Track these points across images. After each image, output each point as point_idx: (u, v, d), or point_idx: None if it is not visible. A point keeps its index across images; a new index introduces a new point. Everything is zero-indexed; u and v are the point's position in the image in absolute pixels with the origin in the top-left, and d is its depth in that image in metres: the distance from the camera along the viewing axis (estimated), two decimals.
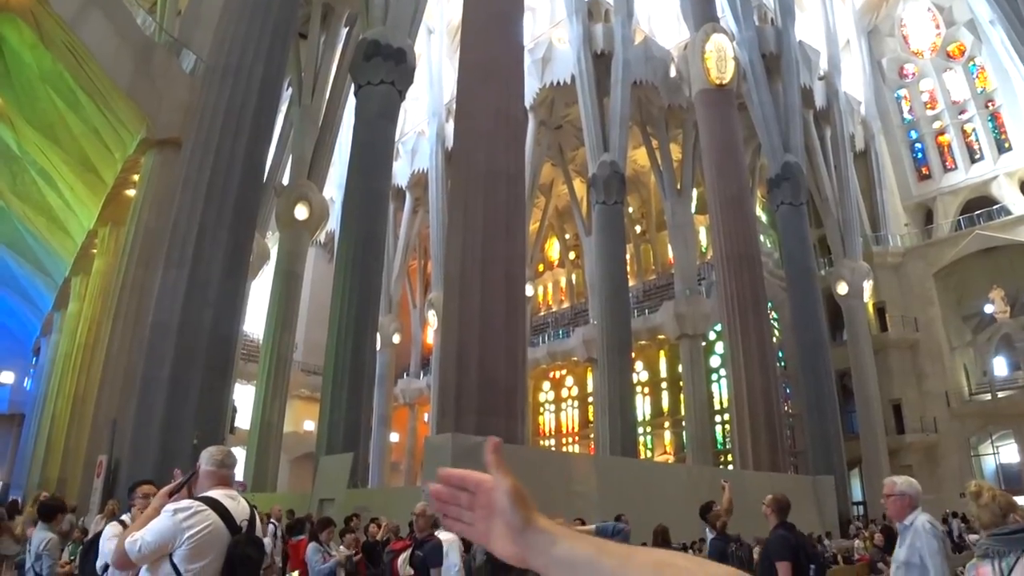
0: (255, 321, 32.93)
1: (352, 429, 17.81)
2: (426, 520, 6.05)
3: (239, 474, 23.02)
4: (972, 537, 19.61)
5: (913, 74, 40.72)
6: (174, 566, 2.87)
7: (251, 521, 3.12)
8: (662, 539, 8.35)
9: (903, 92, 41.10)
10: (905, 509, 4.35)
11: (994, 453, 33.85)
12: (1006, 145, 36.47)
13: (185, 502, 3.00)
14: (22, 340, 51.83)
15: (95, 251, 28.14)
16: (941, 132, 39.16)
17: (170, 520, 2.91)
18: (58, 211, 32.34)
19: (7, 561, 13.15)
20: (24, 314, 50.21)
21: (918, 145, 40.08)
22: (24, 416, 44.92)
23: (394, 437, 41.44)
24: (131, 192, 23.45)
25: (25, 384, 50.57)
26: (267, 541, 9.62)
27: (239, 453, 25.28)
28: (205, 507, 2.97)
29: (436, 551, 5.90)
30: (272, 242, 28.77)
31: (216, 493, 3.09)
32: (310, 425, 34.53)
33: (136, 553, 2.92)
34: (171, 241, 13.95)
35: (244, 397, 27.76)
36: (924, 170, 39.55)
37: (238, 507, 3.10)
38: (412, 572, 5.84)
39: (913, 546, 4.22)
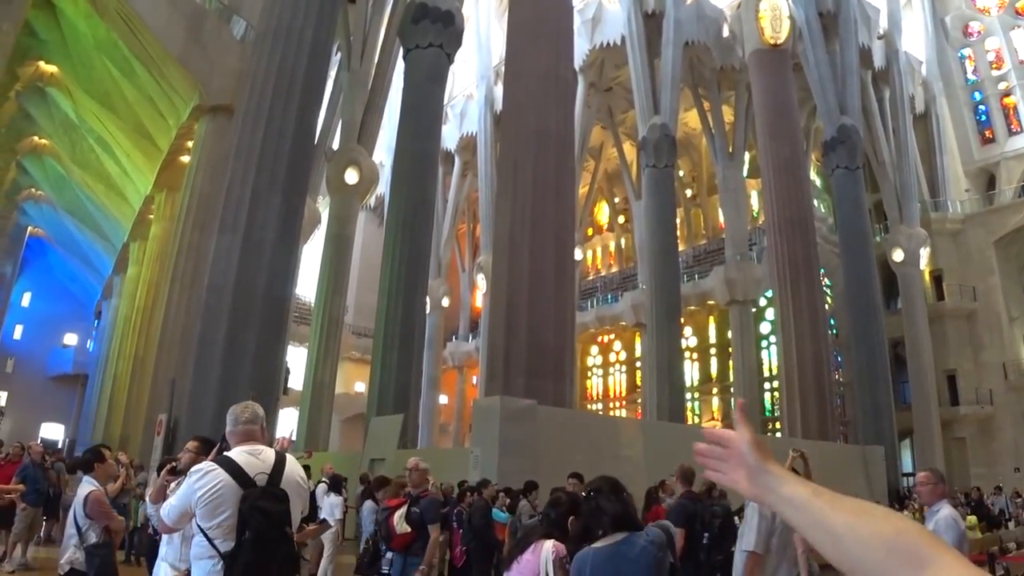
0: (307, 284, 33.44)
1: (402, 391, 18.09)
2: (420, 475, 5.93)
3: (292, 433, 23.62)
4: None
5: (978, 32, 39.13)
6: (199, 526, 3.01)
7: (274, 473, 3.14)
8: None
9: (967, 51, 39.55)
10: (936, 497, 4.80)
11: None
12: None
13: (201, 464, 3.13)
14: (84, 303, 53.45)
15: (152, 216, 28.79)
16: (1007, 93, 37.65)
17: (187, 484, 3.06)
18: (116, 178, 33.10)
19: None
20: (86, 278, 51.75)
21: (982, 107, 38.62)
22: (87, 376, 46.44)
23: (443, 399, 41.96)
24: (185, 158, 23.90)
25: (88, 346, 52.23)
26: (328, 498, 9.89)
27: (292, 413, 25.90)
28: (215, 467, 3.05)
29: (432, 507, 5.86)
30: (323, 206, 29.07)
31: (235, 451, 3.17)
32: (361, 387, 35.14)
33: (168, 518, 3.14)
34: (225, 206, 14.20)
35: (297, 359, 28.31)
36: (988, 133, 38.15)
37: (255, 461, 3.13)
38: (408, 529, 5.74)
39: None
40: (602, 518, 3.03)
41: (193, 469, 3.11)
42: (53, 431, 47.78)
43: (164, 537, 4.02)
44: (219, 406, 12.28)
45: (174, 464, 3.87)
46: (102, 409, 33.27)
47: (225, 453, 3.18)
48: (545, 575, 3.48)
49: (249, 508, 3.01)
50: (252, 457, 3.15)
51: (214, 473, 3.03)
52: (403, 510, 5.86)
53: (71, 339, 53.18)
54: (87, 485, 4.97)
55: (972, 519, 15.53)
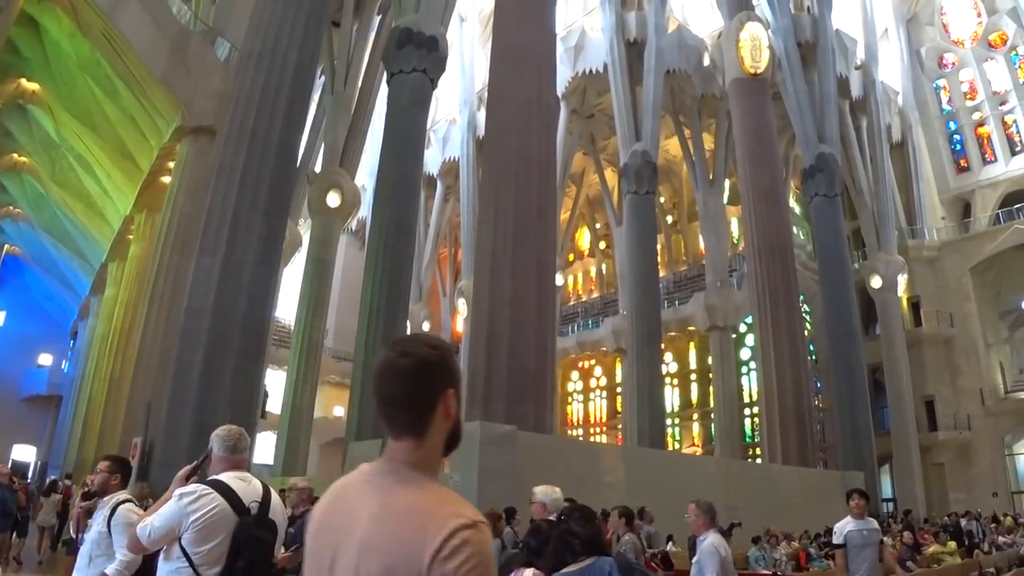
0: (287, 307, 33.23)
1: None
2: (298, 495, 5.69)
3: (269, 458, 23.35)
4: (1002, 539, 19.40)
5: (953, 64, 39.92)
6: (183, 549, 2.91)
7: (263, 503, 3.12)
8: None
9: (942, 82, 40.32)
10: (703, 527, 5.29)
11: None
12: None
13: (192, 486, 3.03)
14: (60, 323, 52.80)
15: (131, 237, 28.56)
16: (981, 123, 38.38)
17: (176, 505, 2.96)
18: (95, 197, 32.86)
19: (47, 531, 13.52)
20: (62, 298, 51.15)
21: (956, 136, 39.33)
22: (62, 398, 45.77)
23: None
24: (166, 179, 23.75)
25: (63, 366, 51.51)
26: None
27: (270, 437, 25.65)
28: (211, 490, 3.00)
29: (304, 527, 5.66)
30: (304, 229, 29.02)
31: (226, 476, 3.12)
32: (340, 411, 34.85)
33: (147, 539, 2.99)
34: (205, 227, 14.10)
35: (275, 382, 28.07)
36: (962, 162, 38.82)
37: (248, 488, 3.11)
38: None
39: (699, 562, 5.18)
40: (572, 542, 3.05)
41: (184, 491, 3.00)
42: (25, 453, 46.92)
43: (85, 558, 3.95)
44: (195, 430, 12.12)
45: (86, 488, 3.78)
46: (76, 431, 32.77)
47: (216, 478, 3.12)
48: None
49: (246, 536, 2.97)
50: (244, 484, 3.12)
51: (210, 497, 2.97)
52: None
53: (46, 359, 52.42)
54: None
55: (952, 544, 15.60)
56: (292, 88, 15.18)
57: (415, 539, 1.26)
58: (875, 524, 6.39)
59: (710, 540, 5.15)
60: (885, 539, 6.41)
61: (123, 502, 3.97)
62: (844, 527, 6.28)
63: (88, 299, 40.81)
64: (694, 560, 5.43)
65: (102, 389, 27.95)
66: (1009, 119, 37.27)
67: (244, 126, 14.60)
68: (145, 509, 3.93)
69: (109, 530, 3.83)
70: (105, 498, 4.05)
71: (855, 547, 6.16)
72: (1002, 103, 37.66)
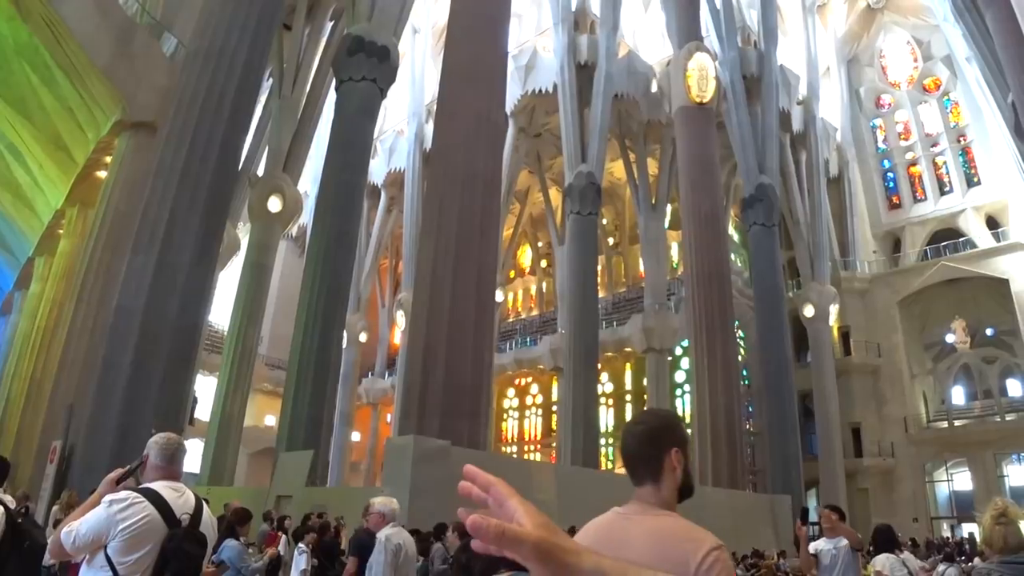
0: (221, 312, 32.49)
1: (314, 426, 17.65)
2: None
3: (196, 466, 22.73)
4: (921, 564, 19.93)
5: (889, 104, 41.42)
6: (108, 558, 2.80)
7: (195, 515, 3.03)
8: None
9: (878, 121, 41.79)
10: (383, 524, 5.49)
11: (948, 480, 34.45)
12: (975, 179, 37.22)
13: (122, 493, 2.92)
14: None
15: (61, 232, 27.62)
16: (913, 163, 39.87)
17: (105, 512, 2.84)
18: (25, 188, 31.70)
19: None
20: None
21: (890, 174, 40.77)
22: None
23: (356, 436, 41.15)
24: (102, 174, 23.09)
25: None
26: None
27: (197, 445, 24.99)
28: (142, 499, 2.90)
29: None
30: (243, 233, 28.47)
31: (158, 485, 3.02)
32: (271, 420, 34.18)
33: (71, 545, 2.86)
34: (140, 225, 13.73)
35: (205, 388, 27.41)
36: (895, 199, 40.23)
37: (180, 500, 3.02)
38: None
39: (376, 556, 5.40)
40: (496, 559, 3.03)
41: (113, 498, 2.88)
42: None
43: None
44: (120, 434, 11.76)
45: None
46: None
47: (148, 486, 3.00)
48: None
49: (174, 549, 2.87)
50: (177, 495, 3.03)
51: (140, 506, 2.87)
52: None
53: None
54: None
55: (870, 569, 15.94)
56: (238, 89, 14.93)
57: (683, 557, 1.69)
58: (845, 542, 6.30)
59: (386, 532, 5.41)
60: None
61: None
62: (816, 546, 6.33)
63: (11, 294, 39.30)
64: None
65: (22, 389, 26.87)
66: (940, 160, 38.80)
67: (187, 124, 14.30)
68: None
69: None
70: None
71: (824, 566, 6.17)
72: (933, 144, 39.20)
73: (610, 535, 1.87)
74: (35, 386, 24.38)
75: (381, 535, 5.30)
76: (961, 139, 38.23)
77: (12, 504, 3.50)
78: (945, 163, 38.54)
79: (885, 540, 6.27)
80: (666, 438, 1.97)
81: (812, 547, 6.35)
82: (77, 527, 2.86)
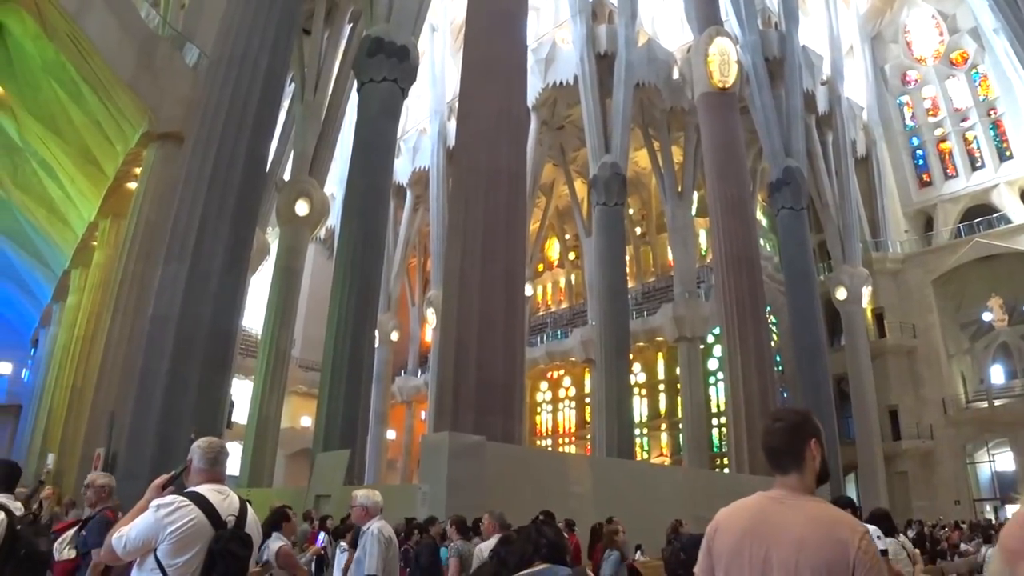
0: (254, 316, 32.93)
1: (349, 426, 17.81)
2: (96, 492, 5.21)
3: (235, 469, 23.05)
4: (965, 547, 19.69)
5: (916, 81, 40.73)
6: (158, 561, 2.88)
7: (240, 517, 3.10)
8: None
9: (905, 99, 41.12)
10: (365, 518, 5.50)
11: (990, 461, 33.87)
12: (1007, 153, 36.49)
13: (169, 498, 2.99)
14: (20, 331, 51.80)
15: (95, 243, 28.14)
16: (942, 139, 39.18)
17: (153, 516, 2.92)
18: (59, 203, 32.35)
19: None
20: (23, 305, 50.21)
21: (919, 152, 40.09)
22: (21, 407, 44.87)
23: (391, 435, 41.44)
24: (132, 185, 23.47)
25: (23, 375, 50.52)
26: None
27: (236, 448, 25.33)
28: (188, 502, 2.97)
29: (97, 528, 4.88)
30: (272, 237, 28.77)
31: (204, 488, 3.09)
32: (307, 421, 34.56)
33: (122, 550, 2.94)
34: (172, 235, 13.94)
35: (242, 392, 27.74)
36: (925, 177, 39.58)
37: (225, 502, 3.09)
38: (74, 555, 4.82)
39: (363, 546, 5.38)
40: (539, 541, 3.08)
41: (161, 502, 2.96)
42: None
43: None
44: (160, 440, 11.97)
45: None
46: (36, 442, 32.13)
47: (194, 490, 3.08)
48: None
49: (221, 550, 2.94)
50: (222, 497, 3.10)
51: (187, 509, 2.94)
52: (69, 533, 5.00)
53: (5, 368, 51.42)
54: (277, 540, 5.76)
55: (915, 553, 15.75)
56: (261, 95, 15.09)
57: (844, 537, 1.96)
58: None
59: (376, 525, 5.47)
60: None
61: None
62: None
63: (50, 307, 40.09)
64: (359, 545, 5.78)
65: (64, 398, 27.45)
66: (970, 135, 38.08)
67: (212, 133, 14.48)
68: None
69: None
70: None
71: None
72: (963, 120, 38.47)
73: (768, 518, 2.09)
74: (76, 395, 24.90)
75: (373, 527, 5.33)
76: (991, 112, 37.48)
77: (19, 510, 3.53)
78: (976, 138, 37.82)
79: (883, 525, 6.30)
80: (805, 431, 2.18)
81: None
82: (127, 532, 2.94)
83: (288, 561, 5.63)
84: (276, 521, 6.15)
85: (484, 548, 6.24)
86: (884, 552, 6.07)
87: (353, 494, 5.73)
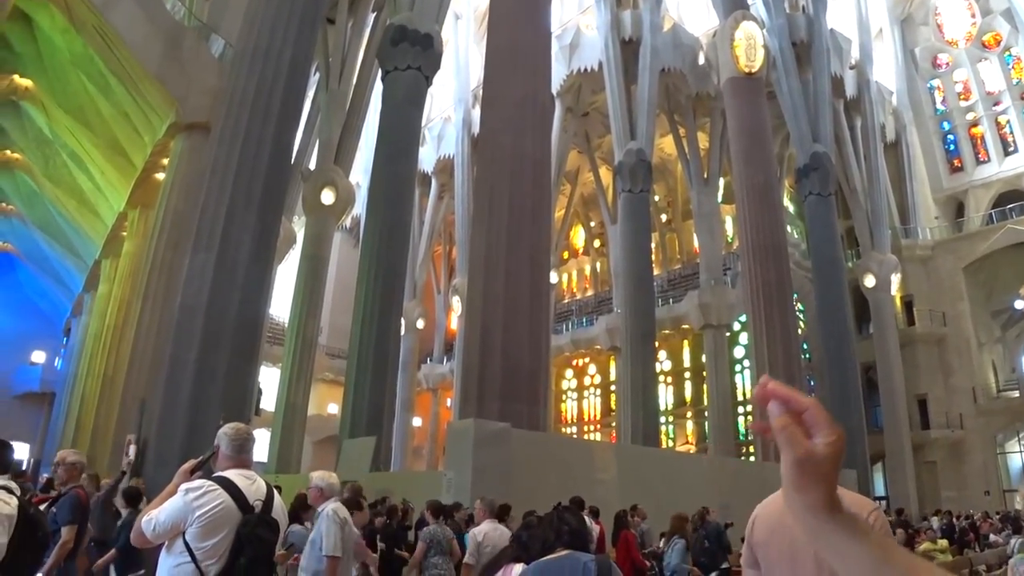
0: (281, 304, 33.22)
1: (375, 413, 17.94)
2: (66, 470, 5.29)
3: (263, 455, 23.31)
4: (995, 537, 19.50)
5: (947, 64, 40.00)
6: (186, 544, 2.94)
7: (267, 501, 3.16)
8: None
9: (936, 82, 40.41)
10: (321, 499, 5.44)
11: (1021, 451, 33.41)
12: None
13: (197, 482, 3.06)
14: (53, 321, 52.66)
15: (125, 234, 28.50)
16: (974, 124, 38.48)
17: (182, 500, 2.98)
18: (89, 194, 32.78)
19: None
20: (55, 295, 51.02)
21: (950, 137, 39.42)
22: (55, 395, 45.67)
23: (417, 422, 41.69)
24: (160, 176, 23.72)
25: (56, 364, 51.37)
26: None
27: (264, 435, 25.62)
28: (216, 487, 3.03)
29: (68, 505, 5.14)
30: (298, 226, 28.97)
31: (231, 473, 3.15)
32: (334, 408, 34.85)
33: (151, 532, 3.00)
34: (199, 224, 14.08)
35: (269, 379, 28.03)
36: (956, 162, 38.93)
37: (252, 487, 3.15)
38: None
39: (319, 527, 5.30)
40: (562, 528, 3.10)
41: (190, 486, 3.03)
42: (18, 450, 46.70)
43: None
44: (189, 428, 12.13)
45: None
46: (69, 429, 32.71)
47: (221, 475, 3.15)
48: None
49: (248, 534, 3.00)
50: (249, 482, 3.16)
51: (215, 493, 3.01)
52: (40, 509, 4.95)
53: (39, 357, 52.28)
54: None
55: (943, 542, 15.65)
56: (287, 85, 15.16)
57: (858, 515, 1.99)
58: None
59: (331, 506, 5.34)
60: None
61: None
62: None
63: (81, 296, 40.72)
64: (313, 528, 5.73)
65: (95, 386, 27.90)
66: (1002, 119, 37.37)
67: (238, 123, 14.57)
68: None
69: None
70: None
71: None
72: (996, 103, 37.75)
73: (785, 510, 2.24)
74: (108, 383, 25.30)
75: (328, 508, 5.29)
76: None
77: (16, 491, 3.53)
78: (1009, 122, 37.09)
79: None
80: None
81: None
82: (156, 515, 3.01)
83: (358, 549, 5.78)
84: (302, 507, 6.25)
85: (477, 533, 6.29)
86: None
87: (310, 476, 5.75)
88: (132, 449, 12.73)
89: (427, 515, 7.73)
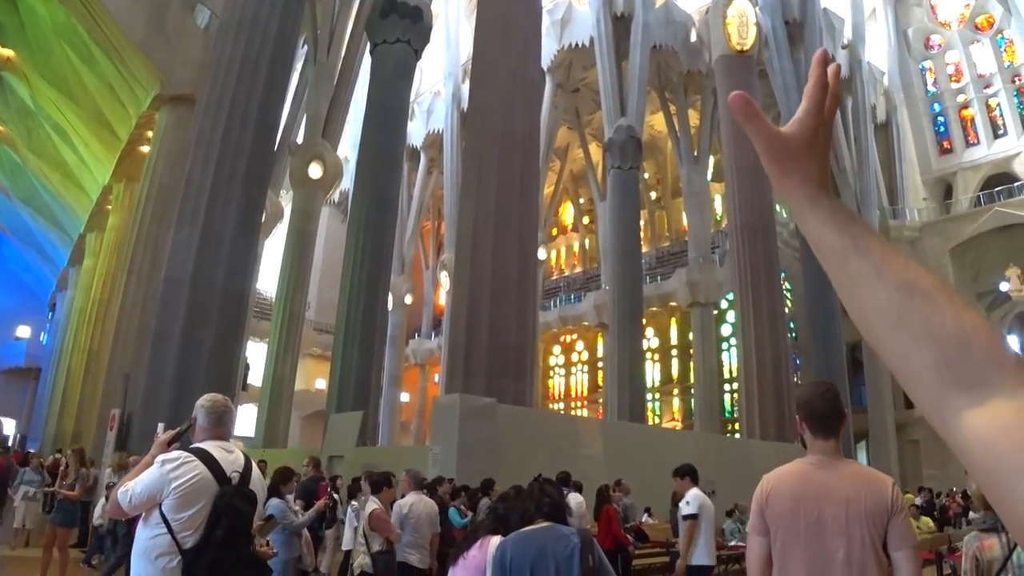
0: (268, 279, 33.07)
1: (362, 388, 17.95)
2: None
3: (250, 430, 23.30)
4: (974, 515, 19.76)
5: (939, 45, 39.93)
6: (163, 515, 2.90)
7: (244, 473, 3.13)
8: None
9: (928, 64, 40.34)
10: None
11: None
12: None
13: (174, 453, 3.02)
14: (38, 295, 52.33)
15: (109, 207, 28.28)
16: (965, 106, 38.49)
17: (158, 471, 2.94)
18: (73, 167, 32.43)
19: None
20: (40, 269, 50.65)
21: (941, 118, 39.44)
22: (40, 370, 45.50)
23: (404, 397, 41.74)
24: (145, 148, 23.51)
25: (41, 338, 51.15)
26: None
27: (251, 409, 25.62)
28: (193, 458, 2.99)
29: None
30: (286, 201, 28.78)
31: (209, 444, 3.11)
32: (321, 383, 34.82)
33: (127, 504, 2.96)
34: (184, 198, 13.96)
35: (257, 354, 27.98)
36: (945, 144, 38.97)
37: (230, 458, 3.11)
38: None
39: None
40: (542, 500, 3.11)
41: (166, 457, 2.98)
42: (4, 425, 46.69)
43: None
44: (174, 401, 12.08)
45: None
46: (55, 403, 32.60)
47: (199, 446, 3.11)
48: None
49: (225, 506, 2.97)
50: (227, 454, 3.13)
51: (192, 464, 2.97)
52: None
53: (24, 331, 52.03)
54: (372, 503, 6.07)
55: (926, 520, 15.82)
56: (273, 57, 14.98)
57: (882, 492, 2.31)
58: None
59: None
60: None
61: None
62: None
63: (66, 270, 40.44)
64: None
65: (81, 361, 27.80)
66: (993, 102, 37.40)
67: (224, 95, 14.41)
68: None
69: None
70: None
71: None
72: (986, 86, 37.76)
73: (811, 480, 2.41)
74: (93, 357, 25.21)
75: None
76: (1016, 79, 36.74)
77: None
78: (999, 105, 37.12)
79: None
80: (843, 402, 2.52)
81: None
82: (132, 487, 2.97)
83: (379, 524, 5.93)
84: (282, 480, 6.33)
85: (403, 505, 6.31)
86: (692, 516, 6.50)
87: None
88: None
89: (364, 486, 6.89)
